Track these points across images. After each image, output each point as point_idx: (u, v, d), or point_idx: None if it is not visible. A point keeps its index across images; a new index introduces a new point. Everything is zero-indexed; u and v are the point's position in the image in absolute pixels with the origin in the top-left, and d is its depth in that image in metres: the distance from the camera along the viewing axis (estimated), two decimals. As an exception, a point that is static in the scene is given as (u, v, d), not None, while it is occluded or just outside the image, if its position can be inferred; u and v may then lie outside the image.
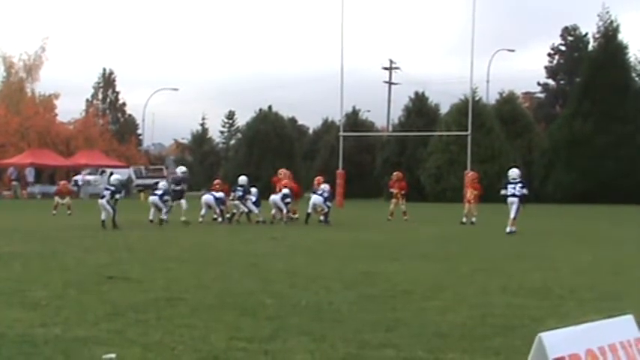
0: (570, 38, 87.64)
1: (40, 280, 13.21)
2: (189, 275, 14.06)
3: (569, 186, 58.12)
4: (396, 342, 8.42)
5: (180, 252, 18.86)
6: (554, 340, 4.10)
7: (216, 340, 8.48)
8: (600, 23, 65.70)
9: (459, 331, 9.10)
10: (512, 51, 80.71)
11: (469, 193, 32.91)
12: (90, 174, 71.38)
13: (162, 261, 16.56)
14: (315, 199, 30.52)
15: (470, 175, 35.28)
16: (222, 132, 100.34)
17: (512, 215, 26.21)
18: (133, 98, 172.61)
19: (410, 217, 33.82)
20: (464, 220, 31.52)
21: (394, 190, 34.92)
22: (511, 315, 10.14)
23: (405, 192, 34.92)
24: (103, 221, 27.41)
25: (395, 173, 36.48)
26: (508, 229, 25.87)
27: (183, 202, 31.42)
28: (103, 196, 28.52)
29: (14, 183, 66.78)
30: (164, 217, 30.55)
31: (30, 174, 69.76)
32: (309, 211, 30.27)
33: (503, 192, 27.08)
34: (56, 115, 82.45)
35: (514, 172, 27.44)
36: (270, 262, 16.63)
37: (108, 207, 27.87)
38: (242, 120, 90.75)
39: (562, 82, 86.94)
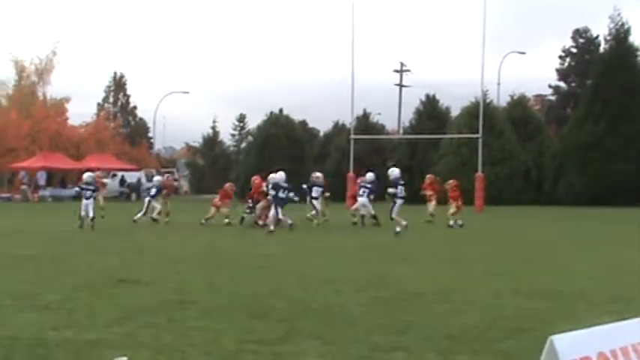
0: (581, 40, 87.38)
1: (52, 283, 13.24)
2: (200, 278, 14.07)
3: (581, 188, 57.92)
4: (407, 344, 8.42)
5: (191, 254, 18.89)
6: (565, 343, 4.10)
7: (227, 342, 8.49)
8: (611, 25, 65.44)
9: (470, 333, 9.09)
10: (523, 53, 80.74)
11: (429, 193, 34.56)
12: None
13: (173, 263, 16.59)
14: (363, 200, 30.39)
15: (450, 182, 34.25)
16: (233, 135, 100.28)
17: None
18: (144, 102, 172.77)
19: (422, 220, 33.76)
20: (450, 222, 30.90)
21: (428, 192, 34.97)
22: (522, 318, 10.12)
23: (436, 195, 34.78)
24: (82, 219, 28.11)
25: (428, 176, 36.73)
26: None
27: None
28: (87, 197, 28.81)
29: (23, 187, 66.97)
30: (155, 216, 32.15)
31: (41, 177, 69.96)
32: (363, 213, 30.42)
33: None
34: (67, 118, 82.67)
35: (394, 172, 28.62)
36: (281, 264, 16.64)
37: (90, 208, 28.49)
38: (253, 123, 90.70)
39: (573, 84, 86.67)
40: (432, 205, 34.43)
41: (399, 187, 28.08)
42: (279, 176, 28.67)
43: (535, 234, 25.65)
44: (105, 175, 51.74)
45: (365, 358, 7.90)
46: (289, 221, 27.97)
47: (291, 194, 28.40)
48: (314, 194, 32.18)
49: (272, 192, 28.15)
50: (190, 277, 14.28)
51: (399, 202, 27.86)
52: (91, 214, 28.33)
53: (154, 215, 32.14)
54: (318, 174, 33.93)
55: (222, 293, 12.15)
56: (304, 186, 32.38)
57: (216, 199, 32.18)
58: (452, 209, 31.33)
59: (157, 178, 35.85)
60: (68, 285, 12.91)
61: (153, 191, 33.05)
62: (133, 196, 69.38)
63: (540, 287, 13.10)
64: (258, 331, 9.09)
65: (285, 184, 28.35)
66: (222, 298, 11.59)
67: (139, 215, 32.00)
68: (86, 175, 30.57)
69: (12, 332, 8.97)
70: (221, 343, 8.49)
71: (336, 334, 8.93)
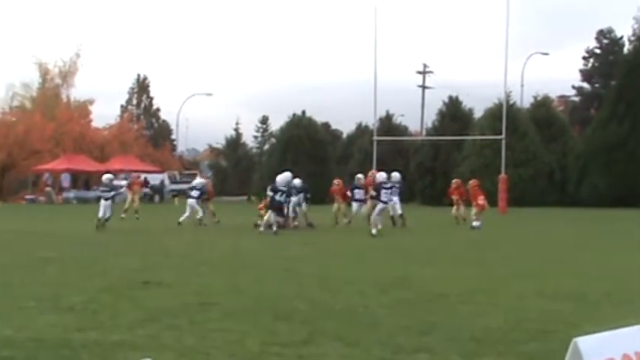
0: (605, 41, 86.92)
1: (76, 284, 13.29)
2: (223, 280, 14.09)
3: (605, 189, 57.61)
4: (430, 346, 8.40)
5: (214, 256, 18.92)
6: (589, 344, 4.08)
7: (251, 344, 8.49)
8: (636, 26, 65.41)
9: (494, 335, 9.06)
10: (547, 54, 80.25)
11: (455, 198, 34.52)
12: (124, 179, 71.93)
13: (196, 265, 16.62)
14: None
15: (471, 182, 34.23)
16: (255, 137, 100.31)
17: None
18: (167, 103, 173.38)
19: (444, 222, 33.70)
20: (473, 224, 30.76)
21: (454, 197, 34.90)
22: (546, 319, 10.08)
23: (463, 198, 34.70)
24: (99, 220, 28.32)
25: (454, 181, 36.61)
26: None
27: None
28: (106, 198, 29.14)
29: (47, 189, 67.42)
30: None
31: (65, 179, 70.37)
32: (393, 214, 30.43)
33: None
34: (91, 120, 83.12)
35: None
36: (304, 266, 16.64)
37: (108, 209, 29.11)
38: (276, 125, 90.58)
39: (597, 85, 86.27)
40: (461, 209, 34.36)
41: (383, 190, 27.85)
42: (279, 179, 28.90)
43: (559, 235, 25.55)
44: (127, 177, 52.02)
45: (388, 360, 7.90)
46: (265, 227, 27.87)
47: (288, 198, 28.76)
48: (356, 196, 32.34)
49: (270, 193, 28.52)
50: (214, 279, 14.30)
51: (381, 206, 27.61)
52: (107, 214, 28.75)
53: (181, 219, 31.85)
54: (360, 175, 34.06)
55: (245, 295, 12.17)
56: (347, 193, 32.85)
57: (261, 205, 31.89)
58: (474, 209, 31.28)
59: (198, 180, 35.78)
60: (92, 287, 12.96)
61: (196, 193, 33.05)
62: (157, 197, 69.64)
63: (564, 289, 13.04)
64: (281, 333, 9.09)
65: (283, 187, 28.40)
66: (246, 300, 11.60)
67: (200, 215, 32.43)
68: (104, 178, 30.74)
69: (36, 334, 9.01)
70: (244, 345, 8.50)
71: (359, 336, 8.92)
